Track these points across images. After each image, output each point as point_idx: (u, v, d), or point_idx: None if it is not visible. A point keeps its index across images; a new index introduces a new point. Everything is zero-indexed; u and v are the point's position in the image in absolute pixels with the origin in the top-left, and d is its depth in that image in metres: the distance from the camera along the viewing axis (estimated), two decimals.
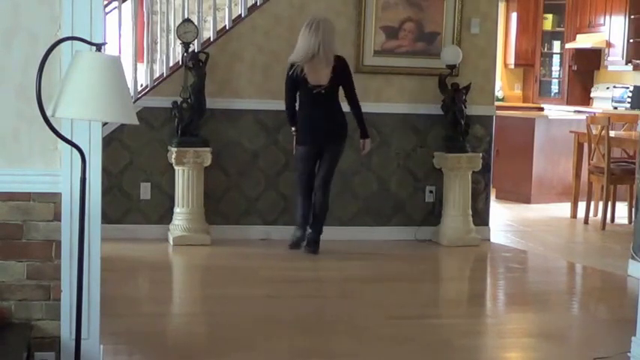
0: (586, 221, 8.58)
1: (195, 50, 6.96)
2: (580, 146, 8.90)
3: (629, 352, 4.16)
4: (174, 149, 6.83)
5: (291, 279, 6.01)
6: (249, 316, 5.05)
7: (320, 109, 6.58)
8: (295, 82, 6.55)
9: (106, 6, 7.06)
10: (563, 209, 9.08)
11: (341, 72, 6.57)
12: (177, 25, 7.08)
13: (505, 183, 9.80)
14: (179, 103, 6.91)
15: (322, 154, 6.67)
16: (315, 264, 6.56)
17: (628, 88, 11.31)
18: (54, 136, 3.16)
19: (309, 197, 6.74)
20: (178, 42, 7.07)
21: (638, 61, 10.99)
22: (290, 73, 6.54)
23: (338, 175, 7.29)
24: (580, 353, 4.64)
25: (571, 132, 9.10)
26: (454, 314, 5.44)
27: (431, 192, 7.43)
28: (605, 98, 11.71)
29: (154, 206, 7.11)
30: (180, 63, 7.06)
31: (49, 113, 3.01)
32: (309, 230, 6.74)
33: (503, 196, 9.75)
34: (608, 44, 11.48)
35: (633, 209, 6.81)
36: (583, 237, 8.35)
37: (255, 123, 7.18)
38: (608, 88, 11.71)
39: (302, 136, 6.68)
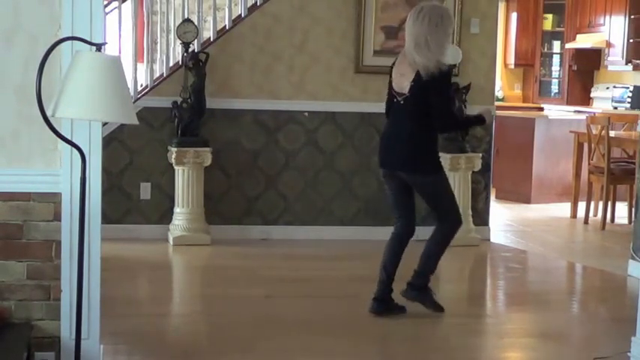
0: (586, 221, 8.58)
1: (195, 50, 6.96)
2: (580, 146, 8.90)
3: (629, 352, 4.16)
4: (174, 149, 6.83)
5: (291, 279, 6.01)
6: (249, 316, 5.05)
7: (396, 124, 5.10)
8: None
9: (106, 6, 7.06)
10: (563, 209, 9.08)
11: (426, 82, 4.88)
12: (177, 25, 7.08)
13: (505, 183, 9.80)
14: (179, 103, 6.91)
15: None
16: (315, 264, 6.56)
17: (628, 88, 11.31)
18: (54, 136, 3.16)
19: (393, 245, 5.21)
20: (178, 42, 7.07)
21: (638, 61, 10.99)
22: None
23: (338, 175, 7.31)
24: (580, 353, 4.65)
25: (571, 132, 9.10)
26: (454, 314, 5.43)
27: None
28: (605, 98, 11.70)
29: (154, 206, 7.11)
30: (180, 63, 7.06)
31: (49, 113, 3.01)
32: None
33: (503, 196, 9.74)
34: (608, 44, 11.48)
35: (633, 209, 6.81)
36: (583, 237, 8.35)
37: (255, 123, 7.18)
38: (608, 88, 11.71)
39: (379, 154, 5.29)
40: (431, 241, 5.26)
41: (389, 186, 5.22)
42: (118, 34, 7.27)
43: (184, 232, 6.86)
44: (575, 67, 12.16)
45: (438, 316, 5.35)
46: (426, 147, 5.04)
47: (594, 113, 10.16)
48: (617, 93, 11.45)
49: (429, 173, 5.06)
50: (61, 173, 3.47)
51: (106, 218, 6.34)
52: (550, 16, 12.58)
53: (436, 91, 4.89)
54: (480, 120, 5.26)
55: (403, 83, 4.99)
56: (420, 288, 5.23)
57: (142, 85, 7.29)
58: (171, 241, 6.87)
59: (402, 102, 5.02)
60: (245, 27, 7.13)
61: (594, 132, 8.48)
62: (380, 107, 7.16)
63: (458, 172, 7.16)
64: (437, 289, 6.00)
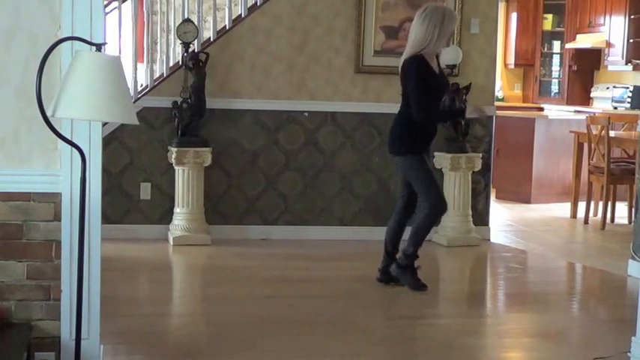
0: (586, 221, 8.58)
1: (195, 50, 6.96)
2: (580, 146, 8.90)
3: (629, 352, 4.16)
4: (174, 149, 6.83)
5: (291, 279, 6.01)
6: (249, 316, 5.05)
7: None
8: None
9: (106, 6, 7.05)
10: (563, 209, 9.08)
11: (402, 73, 5.57)
12: (177, 25, 7.08)
13: (505, 183, 9.80)
14: (179, 103, 6.91)
15: None
16: (315, 264, 6.56)
17: (628, 88, 11.31)
18: (54, 136, 3.15)
19: (392, 222, 5.82)
20: (178, 42, 7.07)
21: (638, 61, 10.99)
22: None
23: (338, 175, 7.31)
24: (580, 353, 4.64)
25: (571, 132, 9.10)
26: (454, 314, 5.44)
27: None
28: (605, 98, 11.71)
29: (154, 206, 7.11)
30: (180, 63, 7.06)
31: (49, 113, 3.01)
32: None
33: (503, 196, 9.75)
34: (608, 44, 11.48)
35: (633, 209, 6.81)
36: (583, 237, 8.35)
37: (255, 123, 7.18)
38: (608, 88, 11.72)
39: None
40: (414, 223, 5.71)
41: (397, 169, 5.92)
42: (118, 34, 7.27)
43: (184, 232, 6.86)
44: (575, 67, 12.17)
45: (438, 316, 5.36)
46: (400, 130, 5.58)
47: (594, 113, 10.16)
48: (617, 93, 11.46)
49: (401, 154, 5.60)
50: (61, 173, 3.47)
51: (106, 218, 6.35)
52: (550, 16, 12.59)
53: (407, 78, 5.47)
54: (457, 112, 5.96)
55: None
56: (404, 267, 5.66)
57: (142, 85, 7.29)
58: (171, 241, 6.87)
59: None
60: (245, 27, 7.13)
61: (594, 132, 8.48)
62: (380, 107, 7.22)
63: (458, 172, 7.16)
64: (437, 289, 6.03)
